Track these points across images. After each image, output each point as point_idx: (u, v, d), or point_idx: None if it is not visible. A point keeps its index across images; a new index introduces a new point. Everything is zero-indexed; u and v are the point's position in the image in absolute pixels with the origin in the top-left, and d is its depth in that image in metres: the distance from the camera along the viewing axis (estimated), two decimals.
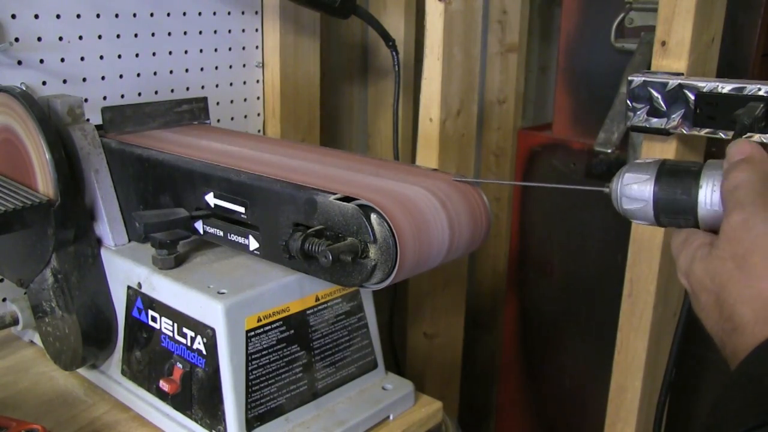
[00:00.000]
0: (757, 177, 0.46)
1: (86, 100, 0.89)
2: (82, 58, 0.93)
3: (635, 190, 0.52)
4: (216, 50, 1.08)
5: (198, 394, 0.67)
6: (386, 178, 0.66)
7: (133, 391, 0.74)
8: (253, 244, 0.67)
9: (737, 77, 0.77)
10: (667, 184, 0.51)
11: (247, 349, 0.65)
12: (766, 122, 0.71)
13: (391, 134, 1.13)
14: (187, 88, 1.06)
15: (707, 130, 0.77)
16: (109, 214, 0.76)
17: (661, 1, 0.82)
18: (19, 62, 0.87)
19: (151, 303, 0.70)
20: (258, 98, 1.16)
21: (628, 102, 0.81)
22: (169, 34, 1.02)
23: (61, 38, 0.90)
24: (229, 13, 1.09)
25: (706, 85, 0.76)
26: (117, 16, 0.95)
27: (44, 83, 0.89)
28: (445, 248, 0.63)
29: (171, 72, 1.03)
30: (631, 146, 1.04)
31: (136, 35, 0.98)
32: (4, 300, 0.90)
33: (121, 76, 0.98)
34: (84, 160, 0.75)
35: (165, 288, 0.69)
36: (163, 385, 0.68)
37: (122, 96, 0.98)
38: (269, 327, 0.67)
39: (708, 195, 0.49)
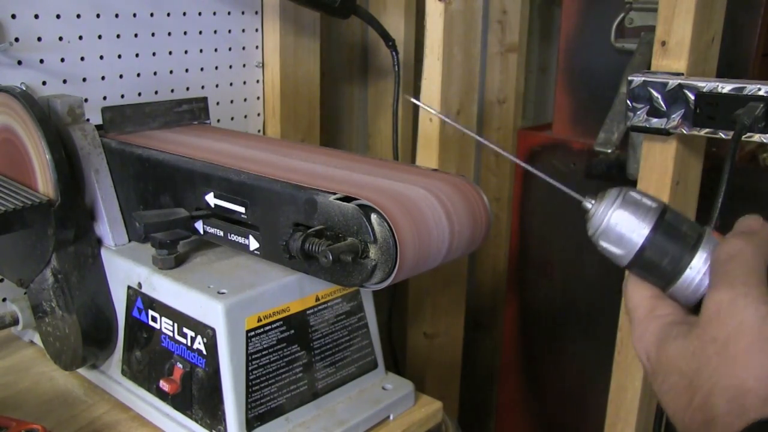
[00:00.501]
0: (754, 251, 0.41)
1: (86, 100, 0.89)
2: (82, 58, 0.93)
3: (623, 235, 0.45)
4: (216, 50, 1.08)
5: (198, 394, 0.67)
6: (386, 178, 0.66)
7: (133, 391, 0.74)
8: (253, 244, 0.67)
9: (737, 77, 0.77)
10: (659, 248, 0.44)
11: (247, 349, 0.65)
12: (766, 122, 0.71)
13: (391, 134, 1.13)
14: (187, 88, 1.06)
15: (707, 130, 0.77)
16: (109, 214, 0.76)
17: (661, 1, 0.82)
18: (19, 62, 0.87)
19: (152, 303, 0.70)
20: (258, 98, 1.16)
21: (628, 102, 0.81)
22: (169, 34, 1.02)
23: (61, 38, 0.90)
24: (229, 13, 1.09)
25: (706, 85, 0.75)
26: (117, 16, 0.95)
27: (44, 83, 0.89)
28: (445, 248, 0.63)
29: (171, 72, 1.03)
30: (631, 146, 1.04)
31: (136, 35, 0.98)
32: (4, 300, 0.90)
33: (121, 76, 0.98)
34: (84, 160, 0.75)
35: (165, 288, 0.69)
36: (164, 385, 0.68)
37: (122, 96, 0.98)
38: (269, 327, 0.67)
39: (694, 279, 0.44)
